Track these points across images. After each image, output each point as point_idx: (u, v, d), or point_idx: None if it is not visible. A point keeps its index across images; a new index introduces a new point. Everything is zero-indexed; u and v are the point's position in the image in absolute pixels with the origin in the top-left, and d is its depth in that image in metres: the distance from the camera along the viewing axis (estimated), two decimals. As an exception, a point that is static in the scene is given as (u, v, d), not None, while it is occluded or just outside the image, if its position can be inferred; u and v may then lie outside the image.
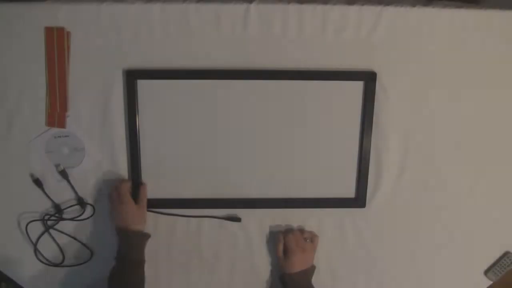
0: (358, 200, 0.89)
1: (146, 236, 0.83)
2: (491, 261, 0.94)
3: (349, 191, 0.89)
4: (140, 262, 0.82)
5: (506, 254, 0.93)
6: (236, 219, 0.89)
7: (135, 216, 0.81)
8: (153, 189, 0.86)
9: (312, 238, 0.88)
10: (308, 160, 0.87)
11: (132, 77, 0.82)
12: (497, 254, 0.93)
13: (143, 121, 0.84)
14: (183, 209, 0.88)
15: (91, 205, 0.87)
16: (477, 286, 0.95)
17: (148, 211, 0.86)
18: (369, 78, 0.83)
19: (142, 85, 0.82)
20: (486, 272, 0.94)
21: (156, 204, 0.87)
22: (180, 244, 0.89)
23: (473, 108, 0.87)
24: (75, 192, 0.86)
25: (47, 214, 0.87)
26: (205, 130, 0.85)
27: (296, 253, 0.84)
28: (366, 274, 0.93)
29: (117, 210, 0.82)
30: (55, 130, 0.84)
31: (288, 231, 0.89)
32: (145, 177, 0.86)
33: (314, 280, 0.87)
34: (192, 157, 0.86)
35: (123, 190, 0.82)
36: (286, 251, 0.85)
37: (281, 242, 0.86)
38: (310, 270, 0.86)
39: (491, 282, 0.95)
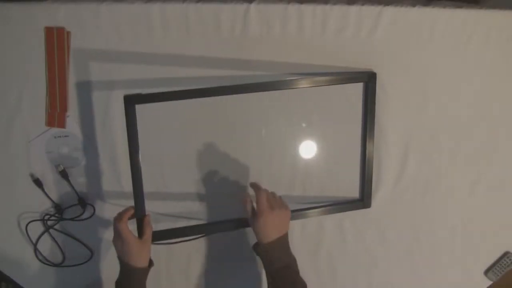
0: (363, 201, 0.88)
1: (148, 270, 0.76)
2: (491, 261, 0.94)
3: (354, 192, 0.89)
4: None
5: (506, 254, 0.93)
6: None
7: (135, 253, 0.73)
8: (156, 204, 0.86)
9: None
10: (311, 162, 0.87)
11: (130, 102, 0.73)
12: (497, 254, 0.93)
13: (143, 140, 0.77)
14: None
15: (91, 205, 0.87)
16: (477, 286, 0.95)
17: (153, 243, 0.79)
18: (369, 79, 0.83)
19: (141, 108, 0.76)
20: (486, 272, 0.94)
21: (159, 234, 0.81)
22: (180, 244, 0.89)
23: (473, 108, 0.87)
24: (75, 192, 0.86)
25: (47, 214, 0.87)
26: (206, 138, 0.85)
27: (267, 213, 0.72)
28: (367, 274, 0.93)
29: (117, 245, 0.74)
30: (55, 130, 0.84)
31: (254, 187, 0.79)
32: (146, 176, 0.86)
33: (314, 280, 0.87)
34: (189, 175, 0.86)
35: (121, 227, 0.72)
36: (256, 211, 0.74)
37: (249, 200, 0.76)
38: (286, 236, 0.75)
39: (491, 282, 0.95)
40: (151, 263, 0.78)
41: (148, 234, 0.76)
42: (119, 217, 0.74)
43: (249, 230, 0.89)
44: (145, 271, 0.76)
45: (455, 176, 0.90)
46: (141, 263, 0.74)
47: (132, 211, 0.76)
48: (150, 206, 0.80)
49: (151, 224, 0.77)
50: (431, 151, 0.88)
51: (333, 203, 0.88)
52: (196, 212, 0.88)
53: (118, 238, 0.73)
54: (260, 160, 0.87)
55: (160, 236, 0.81)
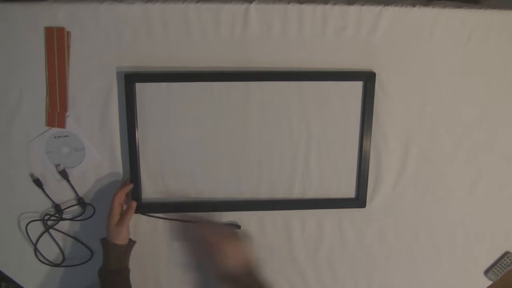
0: (358, 200, 0.89)
1: (122, 248, 0.81)
2: (491, 261, 0.94)
3: (349, 191, 0.89)
4: (118, 272, 0.81)
5: (506, 254, 0.93)
6: (236, 226, 0.88)
7: (112, 231, 0.79)
8: (151, 191, 0.87)
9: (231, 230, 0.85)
10: (308, 161, 0.87)
11: (130, 80, 0.81)
12: (497, 254, 0.93)
13: (142, 124, 0.83)
14: (182, 213, 0.87)
15: (91, 205, 0.87)
16: (477, 286, 0.95)
17: (146, 215, 0.86)
18: (368, 78, 0.83)
19: (141, 88, 0.82)
20: (486, 272, 0.94)
21: (154, 206, 0.86)
22: (179, 242, 0.89)
23: (473, 108, 0.87)
24: (75, 192, 0.86)
25: (47, 214, 0.87)
26: (205, 131, 0.85)
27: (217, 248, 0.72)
28: (367, 274, 0.93)
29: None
30: (55, 130, 0.84)
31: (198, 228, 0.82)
32: (144, 177, 0.86)
33: (314, 280, 0.87)
34: (191, 158, 0.86)
35: (114, 203, 0.80)
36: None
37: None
38: (251, 265, 0.72)
39: (491, 282, 0.95)
40: (131, 243, 0.83)
41: (125, 218, 0.80)
42: (117, 190, 0.81)
43: (247, 230, 0.90)
44: (120, 248, 0.80)
45: (455, 176, 0.90)
46: (116, 239, 0.79)
47: (129, 187, 0.83)
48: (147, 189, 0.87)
49: (133, 210, 0.83)
50: (431, 151, 0.88)
51: (329, 202, 0.89)
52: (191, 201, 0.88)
53: (108, 213, 0.80)
54: (257, 159, 0.87)
55: (149, 208, 0.86)
